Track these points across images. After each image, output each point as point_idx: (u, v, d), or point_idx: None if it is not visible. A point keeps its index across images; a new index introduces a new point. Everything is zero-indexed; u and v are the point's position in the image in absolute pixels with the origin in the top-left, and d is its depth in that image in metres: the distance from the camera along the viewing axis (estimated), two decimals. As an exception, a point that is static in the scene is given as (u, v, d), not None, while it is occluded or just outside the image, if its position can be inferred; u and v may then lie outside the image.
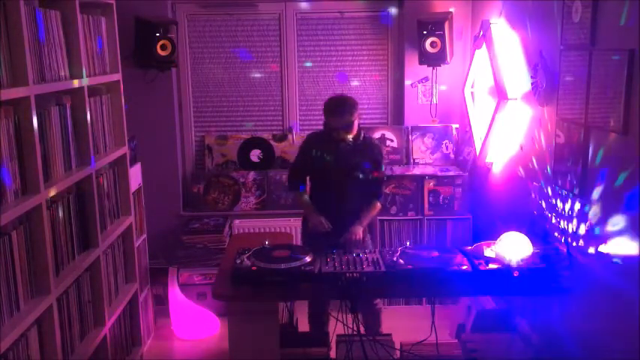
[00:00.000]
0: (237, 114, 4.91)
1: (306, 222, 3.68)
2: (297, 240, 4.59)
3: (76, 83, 2.91)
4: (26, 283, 2.42)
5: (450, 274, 2.92)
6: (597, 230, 2.63)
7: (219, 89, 4.87)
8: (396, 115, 4.89)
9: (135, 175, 3.92)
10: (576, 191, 2.79)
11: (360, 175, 3.54)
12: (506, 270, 2.90)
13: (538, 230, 3.21)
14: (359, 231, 3.49)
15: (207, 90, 4.87)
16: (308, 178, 3.72)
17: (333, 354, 3.32)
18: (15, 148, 2.35)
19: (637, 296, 2.32)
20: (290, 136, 4.87)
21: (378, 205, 3.66)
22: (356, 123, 3.47)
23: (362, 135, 3.57)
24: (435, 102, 4.69)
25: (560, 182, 2.97)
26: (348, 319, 3.08)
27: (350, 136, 3.47)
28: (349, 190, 3.54)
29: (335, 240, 3.41)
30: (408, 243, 3.42)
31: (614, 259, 2.50)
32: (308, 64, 4.86)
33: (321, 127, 3.63)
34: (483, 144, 4.08)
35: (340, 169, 3.51)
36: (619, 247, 2.46)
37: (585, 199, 2.72)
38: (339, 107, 3.42)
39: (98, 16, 3.34)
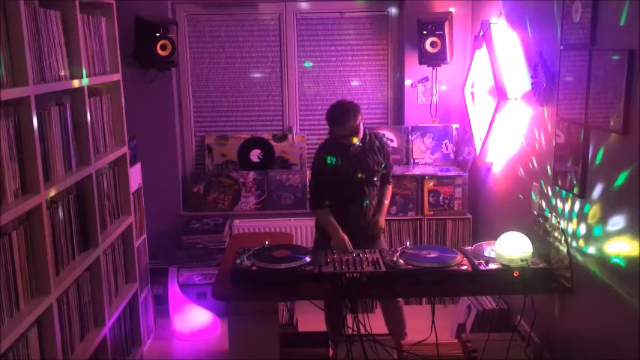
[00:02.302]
0: (237, 114, 4.91)
1: (322, 231, 3.63)
2: (297, 240, 4.60)
3: (76, 83, 2.91)
4: (26, 283, 2.42)
5: (450, 274, 2.92)
6: (597, 230, 2.63)
7: (219, 89, 4.87)
8: (396, 115, 4.89)
9: (135, 175, 3.92)
10: (576, 191, 2.79)
11: (376, 174, 3.62)
12: (506, 270, 2.90)
13: (538, 230, 3.21)
14: (382, 220, 3.67)
15: (207, 90, 4.88)
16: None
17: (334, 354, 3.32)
18: (15, 148, 2.35)
19: (637, 296, 2.32)
20: (290, 136, 4.87)
21: (390, 187, 3.79)
22: (361, 126, 3.50)
23: (367, 134, 3.62)
24: (435, 102, 4.69)
25: (560, 182, 2.97)
26: (348, 320, 3.08)
27: (357, 140, 3.51)
28: (367, 190, 3.59)
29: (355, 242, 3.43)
30: (408, 243, 3.42)
31: (614, 259, 2.50)
32: (308, 64, 4.86)
33: (326, 136, 3.68)
34: (483, 144, 4.08)
35: (356, 173, 3.55)
36: (619, 247, 2.46)
37: (585, 199, 2.72)
38: (344, 115, 3.45)
39: (98, 16, 3.34)
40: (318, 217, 3.58)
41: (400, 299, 3.80)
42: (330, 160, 3.54)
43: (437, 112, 4.71)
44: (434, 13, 4.54)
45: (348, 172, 3.54)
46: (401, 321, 3.77)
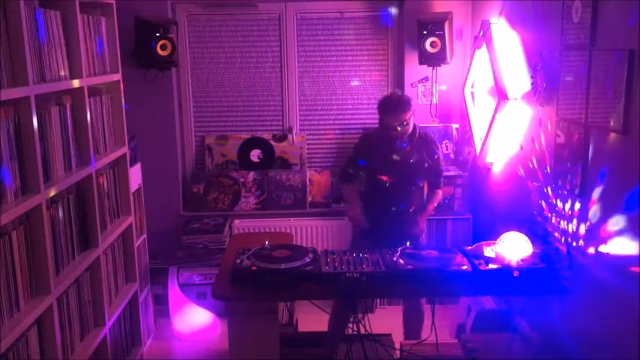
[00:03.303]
0: (237, 114, 4.91)
1: (358, 231, 3.69)
2: (297, 240, 4.60)
3: (76, 83, 2.91)
4: (26, 283, 2.42)
5: (450, 274, 2.92)
6: (597, 230, 2.63)
7: (219, 89, 4.87)
8: (396, 115, 4.88)
9: (135, 175, 3.92)
10: (576, 191, 2.78)
11: (419, 174, 3.62)
12: (506, 270, 2.90)
13: (538, 230, 3.21)
14: (423, 220, 3.66)
15: (207, 90, 4.87)
16: (361, 175, 3.78)
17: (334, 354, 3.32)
18: (15, 148, 2.35)
19: (637, 296, 2.32)
20: (290, 136, 4.87)
21: (440, 192, 3.78)
22: (411, 121, 3.51)
23: (417, 132, 3.61)
24: (435, 102, 4.69)
25: (560, 182, 2.97)
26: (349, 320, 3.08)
27: (405, 134, 3.52)
28: (407, 189, 3.59)
29: (383, 240, 3.42)
30: (408, 243, 3.42)
31: (614, 259, 2.50)
32: (308, 65, 4.86)
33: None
34: (483, 144, 4.08)
35: (397, 168, 3.54)
36: (619, 247, 2.46)
37: (585, 199, 2.72)
38: (396, 105, 3.46)
39: (98, 16, 3.34)
40: (343, 190, 3.76)
41: (423, 301, 3.78)
42: (372, 150, 3.59)
43: (437, 112, 4.71)
44: (434, 13, 4.54)
45: (386, 165, 3.53)
46: (420, 325, 3.77)
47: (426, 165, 3.62)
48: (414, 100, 4.68)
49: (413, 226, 3.62)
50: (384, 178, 3.57)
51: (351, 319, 3.55)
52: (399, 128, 3.47)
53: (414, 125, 3.62)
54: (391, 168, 3.55)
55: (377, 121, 4.84)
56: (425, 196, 3.75)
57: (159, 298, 4.39)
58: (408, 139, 3.54)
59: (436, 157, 3.67)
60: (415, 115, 3.63)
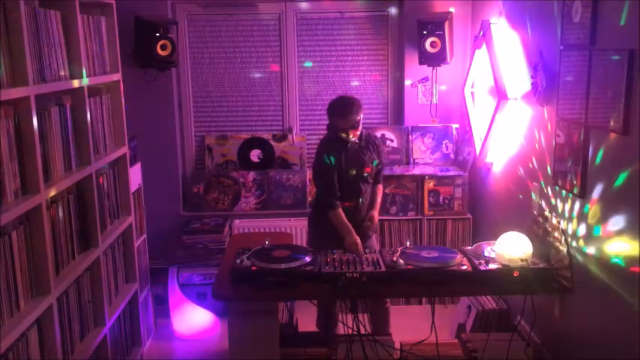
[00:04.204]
0: (237, 114, 4.91)
1: (322, 231, 3.60)
2: (297, 240, 4.60)
3: (76, 83, 2.91)
4: (26, 283, 2.42)
5: (450, 274, 2.92)
6: (597, 230, 2.63)
7: (219, 89, 4.87)
8: (396, 115, 4.89)
9: (135, 175, 3.92)
10: (576, 191, 2.79)
11: (371, 172, 3.61)
12: (506, 270, 2.90)
13: (538, 230, 3.21)
14: (376, 216, 3.65)
15: (207, 90, 4.87)
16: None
17: (333, 354, 3.32)
18: (15, 148, 2.35)
19: (637, 296, 2.32)
20: (290, 136, 4.87)
21: (381, 187, 3.79)
22: (361, 122, 3.51)
23: (363, 133, 3.62)
24: (435, 102, 4.69)
25: (560, 182, 2.97)
26: (348, 320, 3.08)
27: (355, 136, 3.51)
28: (363, 187, 3.60)
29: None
30: (408, 243, 3.42)
31: (614, 259, 2.50)
32: (308, 64, 4.86)
33: (325, 132, 3.67)
34: (483, 144, 4.08)
35: (353, 170, 3.55)
36: (619, 247, 2.46)
37: (585, 199, 2.72)
38: (346, 108, 3.46)
39: (98, 16, 3.34)
40: (333, 219, 3.45)
41: (388, 301, 3.75)
42: (331, 159, 3.53)
43: (437, 112, 4.71)
44: (434, 13, 4.54)
45: (346, 168, 3.53)
46: (387, 323, 3.74)
47: (375, 162, 3.64)
48: (414, 101, 4.71)
49: (370, 220, 3.61)
50: (343, 180, 3.53)
51: (336, 321, 3.55)
52: (352, 135, 3.47)
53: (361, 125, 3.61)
54: (348, 170, 3.53)
55: (376, 121, 4.90)
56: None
57: (159, 298, 4.38)
58: (357, 140, 3.56)
59: (381, 153, 3.74)
60: (363, 115, 3.60)
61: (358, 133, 3.52)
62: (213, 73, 4.85)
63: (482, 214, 4.44)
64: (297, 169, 4.85)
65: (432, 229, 4.52)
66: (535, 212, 3.31)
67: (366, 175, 3.59)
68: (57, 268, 2.69)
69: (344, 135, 3.47)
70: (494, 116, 3.79)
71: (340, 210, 3.47)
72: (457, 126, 4.70)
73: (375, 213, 3.66)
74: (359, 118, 3.47)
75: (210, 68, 4.84)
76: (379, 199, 3.74)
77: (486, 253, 3.08)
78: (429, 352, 3.26)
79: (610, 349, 2.57)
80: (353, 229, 3.40)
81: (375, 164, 3.64)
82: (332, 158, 3.52)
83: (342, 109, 3.47)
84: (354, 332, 3.11)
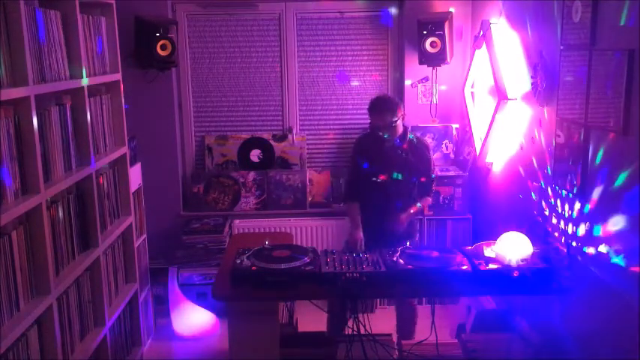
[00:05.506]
0: (237, 114, 4.91)
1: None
2: (297, 240, 4.60)
3: (75, 83, 2.91)
4: (26, 283, 2.42)
5: (450, 274, 2.92)
6: (597, 230, 2.63)
7: (219, 89, 4.87)
8: (396, 115, 4.88)
9: (135, 175, 3.92)
10: (576, 191, 2.79)
11: (410, 178, 3.62)
12: (506, 270, 2.90)
13: (538, 230, 3.21)
14: (403, 219, 3.63)
15: (207, 90, 4.87)
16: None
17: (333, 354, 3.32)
18: (15, 148, 2.35)
19: (637, 296, 2.32)
20: (290, 136, 4.87)
21: (429, 199, 3.81)
22: (399, 123, 3.54)
23: (409, 135, 3.63)
24: (435, 102, 4.69)
25: (560, 182, 2.97)
26: (349, 321, 3.07)
27: (392, 136, 3.55)
28: (397, 191, 3.60)
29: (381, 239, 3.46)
30: (408, 243, 3.42)
31: (614, 259, 2.50)
32: (308, 65, 4.86)
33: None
34: (483, 144, 4.08)
35: (385, 170, 3.57)
36: (619, 247, 2.46)
37: (585, 199, 2.72)
38: (380, 105, 3.54)
39: (98, 16, 3.34)
40: (347, 210, 3.75)
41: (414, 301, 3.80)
42: (359, 159, 3.62)
43: (437, 112, 4.71)
44: (434, 13, 4.53)
45: (375, 167, 3.56)
46: (413, 323, 3.78)
47: (415, 170, 3.64)
48: (414, 100, 4.71)
49: (395, 220, 3.61)
50: (381, 177, 3.59)
51: (350, 319, 3.55)
52: (389, 136, 3.52)
53: (405, 128, 3.65)
54: (379, 171, 3.56)
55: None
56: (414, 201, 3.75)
57: (159, 298, 4.38)
58: (399, 140, 3.56)
59: (427, 163, 3.69)
60: (405, 118, 3.67)
61: (397, 134, 3.53)
62: (213, 73, 4.85)
63: (482, 214, 4.44)
64: (297, 169, 4.85)
65: (432, 229, 4.52)
66: (535, 212, 3.31)
67: (403, 181, 3.58)
68: (57, 268, 2.69)
69: (380, 133, 3.52)
70: (494, 116, 3.79)
71: (354, 205, 3.69)
72: (457, 126, 4.70)
73: (404, 214, 3.62)
74: (395, 118, 3.49)
75: (210, 68, 4.84)
76: (418, 205, 3.69)
77: (486, 253, 3.08)
78: (429, 352, 3.26)
79: (610, 349, 2.56)
80: (360, 227, 3.54)
81: (414, 169, 3.61)
82: (361, 158, 3.60)
83: (376, 105, 3.56)
84: (354, 332, 3.10)
